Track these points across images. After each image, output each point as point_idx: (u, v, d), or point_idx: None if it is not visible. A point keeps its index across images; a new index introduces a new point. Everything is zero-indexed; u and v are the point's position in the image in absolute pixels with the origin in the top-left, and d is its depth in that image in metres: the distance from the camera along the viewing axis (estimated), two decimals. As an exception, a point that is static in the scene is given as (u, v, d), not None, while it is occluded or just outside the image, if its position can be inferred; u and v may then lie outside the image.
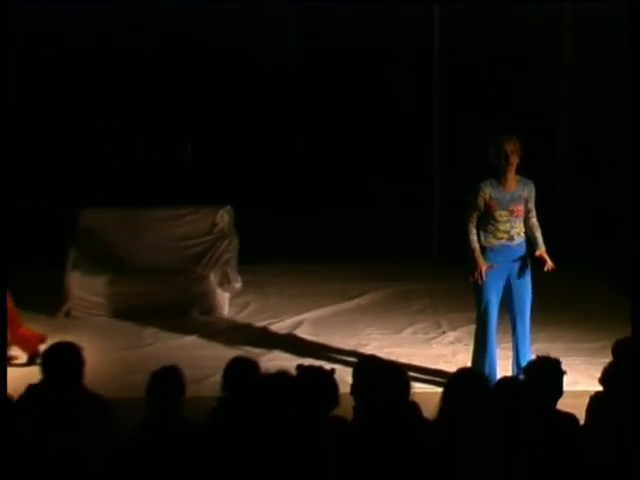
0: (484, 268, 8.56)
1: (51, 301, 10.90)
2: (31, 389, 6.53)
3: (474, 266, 8.58)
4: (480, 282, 8.59)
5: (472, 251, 8.62)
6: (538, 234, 8.78)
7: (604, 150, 14.02)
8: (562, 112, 14.11)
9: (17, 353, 9.49)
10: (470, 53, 14.34)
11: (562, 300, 10.72)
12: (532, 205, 8.73)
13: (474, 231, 8.66)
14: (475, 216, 8.64)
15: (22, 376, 7.70)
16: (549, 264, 8.65)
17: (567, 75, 13.92)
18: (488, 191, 8.55)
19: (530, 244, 8.81)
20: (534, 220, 8.78)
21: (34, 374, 6.69)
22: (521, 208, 8.65)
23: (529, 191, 8.69)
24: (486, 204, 8.58)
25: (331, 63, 15.56)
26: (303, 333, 10.46)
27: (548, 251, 8.76)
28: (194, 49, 15.14)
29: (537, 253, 8.72)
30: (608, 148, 13.79)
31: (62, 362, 6.43)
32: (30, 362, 9.23)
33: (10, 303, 9.43)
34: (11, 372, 8.73)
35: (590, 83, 14.09)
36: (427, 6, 13.74)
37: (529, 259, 8.78)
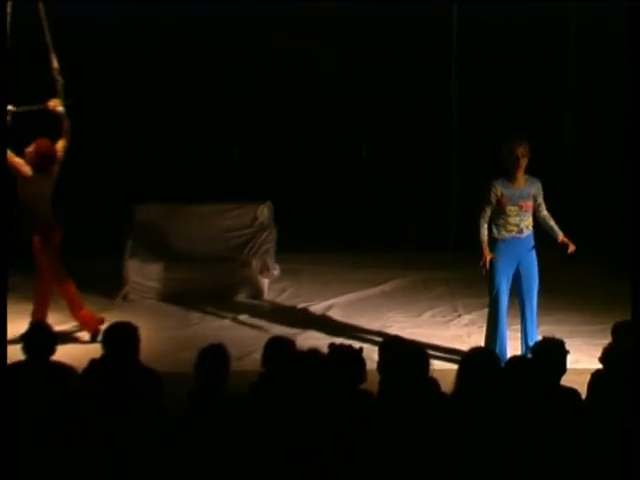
0: (489, 258, 8.60)
1: (110, 287, 10.94)
2: (93, 363, 6.57)
3: (481, 256, 8.64)
4: (484, 271, 8.64)
5: (480, 243, 8.67)
6: (552, 223, 8.79)
7: (607, 148, 13.76)
8: (568, 112, 13.75)
9: (81, 333, 9.54)
10: (474, 52, 13.66)
11: (566, 287, 10.66)
12: (541, 200, 8.74)
13: (485, 225, 8.68)
14: (488, 210, 8.65)
15: (85, 352, 7.74)
16: (572, 247, 8.69)
17: (572, 75, 13.57)
18: (500, 188, 8.58)
19: (541, 236, 8.83)
20: (545, 212, 8.78)
21: (96, 350, 6.72)
22: (530, 204, 8.67)
23: (536, 188, 8.71)
24: (498, 200, 8.60)
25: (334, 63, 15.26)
26: (334, 315, 10.45)
27: (552, 243, 8.80)
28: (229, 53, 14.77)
29: (559, 240, 8.74)
30: (611, 146, 13.51)
31: (120, 340, 6.48)
32: (92, 340, 9.26)
33: (73, 289, 9.48)
34: (75, 349, 8.85)
35: (593, 83, 13.83)
36: (444, 6, 13.19)
37: (536, 250, 8.79)
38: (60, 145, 9.29)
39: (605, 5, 12.65)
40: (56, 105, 9.26)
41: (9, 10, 9.19)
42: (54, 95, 9.32)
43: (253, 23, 14.04)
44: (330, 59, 15.30)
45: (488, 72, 14.28)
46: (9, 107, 9.07)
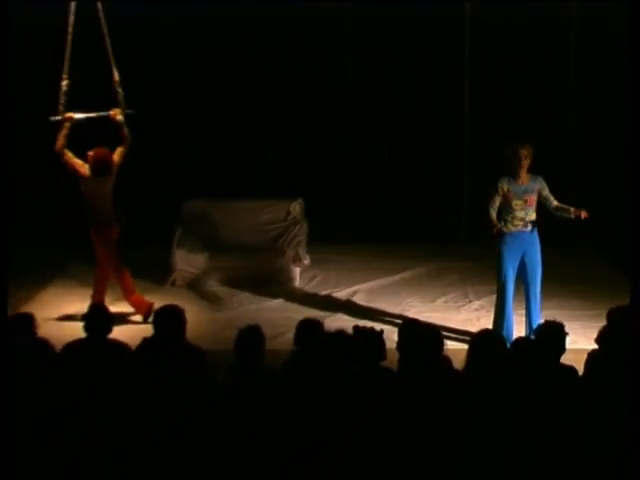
0: (498, 226, 8.59)
1: (161, 274, 10.96)
2: (145, 341, 6.61)
3: (491, 226, 8.60)
4: (495, 233, 8.60)
5: (489, 218, 8.62)
6: (564, 205, 8.68)
7: (607, 148, 13.33)
8: (568, 112, 13.31)
9: (135, 316, 9.59)
10: (475, 53, 13.00)
11: (567, 276, 10.56)
12: (548, 193, 8.69)
13: (493, 209, 8.65)
14: (496, 199, 8.64)
15: (138, 332, 7.78)
16: (584, 213, 8.52)
17: (573, 75, 13.10)
18: (506, 185, 8.60)
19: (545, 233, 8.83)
20: (555, 203, 8.70)
21: (147, 330, 6.76)
22: (534, 198, 8.65)
23: (540, 183, 8.69)
24: (504, 195, 8.61)
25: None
26: (358, 300, 10.42)
27: (555, 237, 8.81)
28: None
29: (573, 214, 8.58)
30: (611, 146, 13.08)
31: (169, 320, 6.52)
32: (144, 321, 9.31)
33: (128, 277, 9.52)
34: (129, 328, 8.89)
35: (593, 83, 13.31)
36: (458, 6, 12.44)
37: (540, 243, 8.76)
38: (118, 151, 9.31)
39: (605, 5, 11.97)
40: (116, 114, 9.28)
41: (72, 11, 9.09)
42: (115, 104, 9.36)
43: (282, 23, 13.55)
44: (349, 61, 14.69)
45: (494, 72, 13.81)
46: (70, 114, 9.13)
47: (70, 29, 9.16)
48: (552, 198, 8.72)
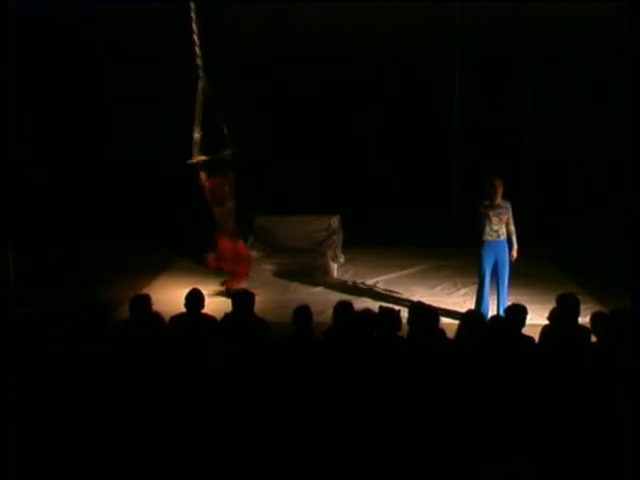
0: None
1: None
2: (227, 315, 6.62)
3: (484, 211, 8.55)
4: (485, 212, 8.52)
5: (482, 215, 8.56)
6: (514, 237, 8.72)
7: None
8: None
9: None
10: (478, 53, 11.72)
11: (526, 274, 10.36)
12: (511, 216, 8.66)
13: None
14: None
15: (221, 308, 7.77)
16: (514, 257, 8.71)
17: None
18: (487, 207, 8.57)
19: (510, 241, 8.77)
20: (512, 227, 8.71)
21: (227, 307, 6.76)
22: (505, 217, 8.63)
23: (509, 207, 8.67)
24: (486, 213, 8.58)
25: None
26: (379, 288, 10.40)
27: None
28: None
29: (512, 252, 8.72)
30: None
31: (243, 300, 6.52)
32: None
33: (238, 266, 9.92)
34: (215, 306, 8.81)
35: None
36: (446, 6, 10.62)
37: (508, 250, 8.74)
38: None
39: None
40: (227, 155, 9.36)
41: (193, 10, 8.01)
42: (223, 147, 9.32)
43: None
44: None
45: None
46: (200, 158, 8.97)
47: (196, 37, 8.12)
48: (512, 222, 8.66)
